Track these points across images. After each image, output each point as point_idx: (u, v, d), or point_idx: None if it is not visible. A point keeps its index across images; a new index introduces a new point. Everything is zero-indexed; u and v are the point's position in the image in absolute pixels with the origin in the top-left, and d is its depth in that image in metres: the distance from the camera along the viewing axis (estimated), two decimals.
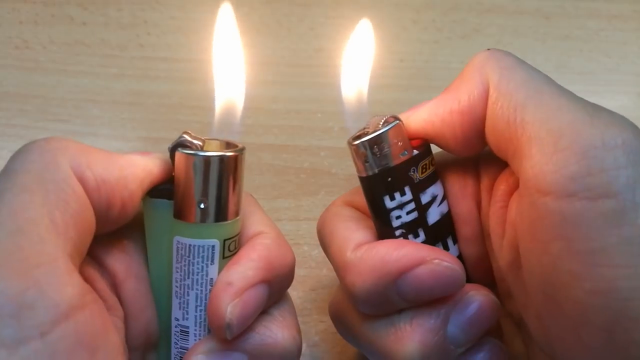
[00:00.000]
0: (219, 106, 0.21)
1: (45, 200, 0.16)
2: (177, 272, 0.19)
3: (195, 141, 0.19)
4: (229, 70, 0.21)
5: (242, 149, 0.19)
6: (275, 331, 0.19)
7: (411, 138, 0.21)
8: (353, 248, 0.21)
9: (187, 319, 0.19)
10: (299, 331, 0.20)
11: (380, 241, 0.21)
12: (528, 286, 0.19)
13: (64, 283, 0.15)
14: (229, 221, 0.19)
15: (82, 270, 0.18)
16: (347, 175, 0.33)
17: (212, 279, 0.19)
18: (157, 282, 0.20)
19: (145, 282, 0.20)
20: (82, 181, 0.17)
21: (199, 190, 0.18)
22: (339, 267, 0.21)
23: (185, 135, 0.19)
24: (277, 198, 0.31)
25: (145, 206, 0.20)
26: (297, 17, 0.41)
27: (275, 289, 0.20)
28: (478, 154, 0.22)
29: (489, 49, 0.21)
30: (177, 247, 0.19)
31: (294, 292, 0.28)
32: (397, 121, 0.21)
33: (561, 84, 0.19)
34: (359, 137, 0.21)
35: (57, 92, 0.35)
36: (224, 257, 0.19)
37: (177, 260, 0.19)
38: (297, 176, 0.32)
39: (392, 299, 0.20)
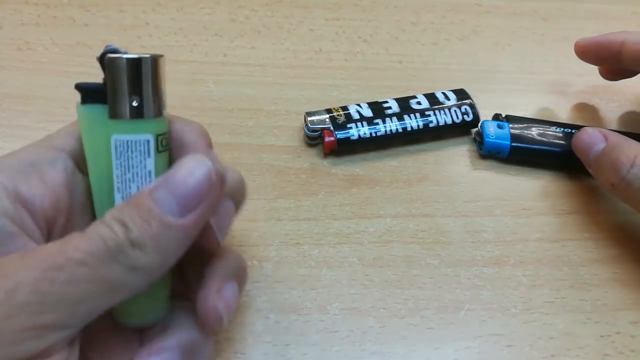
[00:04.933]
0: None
1: None
2: (118, 168, 0.20)
3: (121, 49, 0.20)
4: None
5: (162, 55, 0.21)
6: None
7: None
8: None
9: None
10: None
11: None
12: None
13: None
14: (159, 118, 0.21)
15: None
16: (347, 175, 0.33)
17: (150, 171, 0.21)
18: (98, 185, 0.21)
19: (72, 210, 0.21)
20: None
21: (131, 88, 0.20)
22: None
23: (111, 45, 0.20)
24: (278, 198, 0.32)
25: (80, 115, 0.21)
26: (297, 18, 0.42)
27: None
28: None
29: None
30: (116, 145, 0.20)
31: (294, 291, 0.28)
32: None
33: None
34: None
35: (59, 94, 0.35)
36: (158, 152, 0.21)
37: (117, 157, 0.20)
38: (297, 176, 0.33)
39: None
